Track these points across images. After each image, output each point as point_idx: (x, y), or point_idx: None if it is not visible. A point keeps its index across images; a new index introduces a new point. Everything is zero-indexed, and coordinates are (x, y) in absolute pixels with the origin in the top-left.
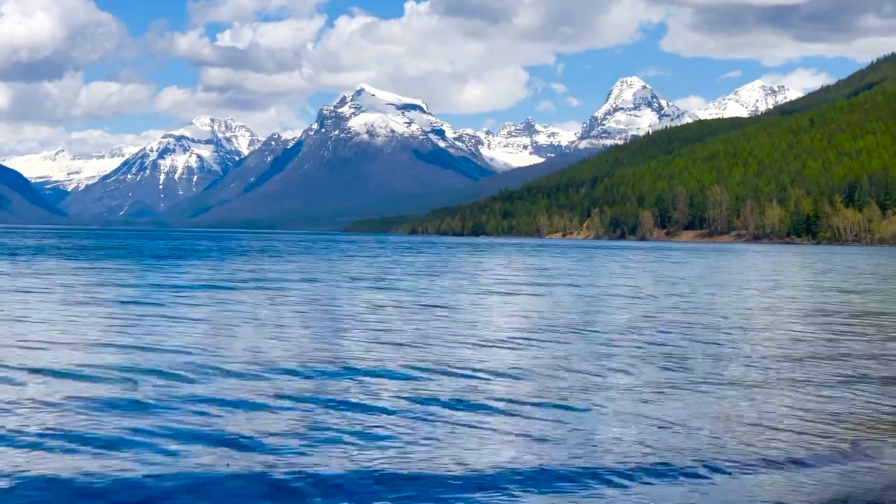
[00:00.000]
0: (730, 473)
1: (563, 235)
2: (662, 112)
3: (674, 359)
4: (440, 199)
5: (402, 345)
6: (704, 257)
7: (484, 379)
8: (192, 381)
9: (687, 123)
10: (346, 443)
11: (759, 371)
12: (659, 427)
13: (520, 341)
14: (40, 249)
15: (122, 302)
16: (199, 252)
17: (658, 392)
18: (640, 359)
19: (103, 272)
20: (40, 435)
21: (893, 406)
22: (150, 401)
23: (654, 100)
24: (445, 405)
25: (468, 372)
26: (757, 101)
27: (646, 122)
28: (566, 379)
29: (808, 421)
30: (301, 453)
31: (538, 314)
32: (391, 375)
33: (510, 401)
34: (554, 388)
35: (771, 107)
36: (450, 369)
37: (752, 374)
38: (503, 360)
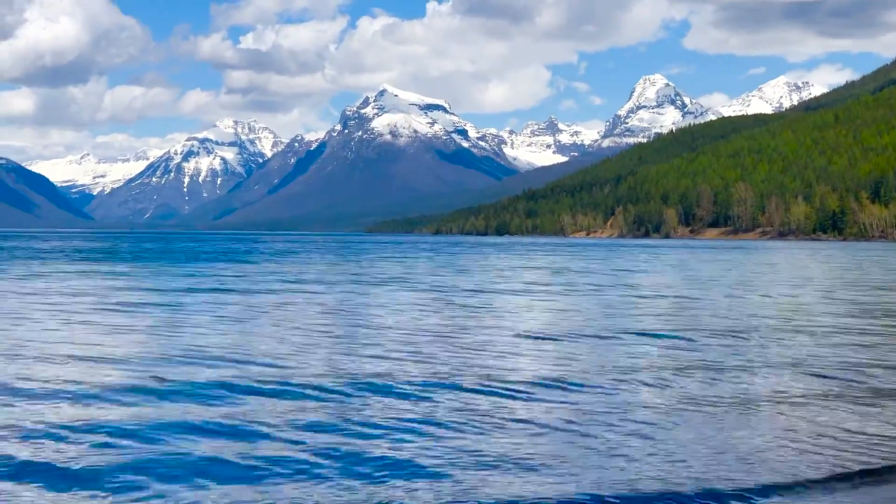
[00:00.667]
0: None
1: (587, 234)
2: (686, 109)
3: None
4: (464, 199)
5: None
6: (743, 254)
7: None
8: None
9: (710, 121)
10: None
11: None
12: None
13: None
14: (113, 252)
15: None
16: (253, 253)
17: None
18: (714, 370)
19: (191, 275)
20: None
21: None
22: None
23: (678, 97)
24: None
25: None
26: (781, 97)
27: (669, 119)
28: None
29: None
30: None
31: (595, 315)
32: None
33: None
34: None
35: (795, 103)
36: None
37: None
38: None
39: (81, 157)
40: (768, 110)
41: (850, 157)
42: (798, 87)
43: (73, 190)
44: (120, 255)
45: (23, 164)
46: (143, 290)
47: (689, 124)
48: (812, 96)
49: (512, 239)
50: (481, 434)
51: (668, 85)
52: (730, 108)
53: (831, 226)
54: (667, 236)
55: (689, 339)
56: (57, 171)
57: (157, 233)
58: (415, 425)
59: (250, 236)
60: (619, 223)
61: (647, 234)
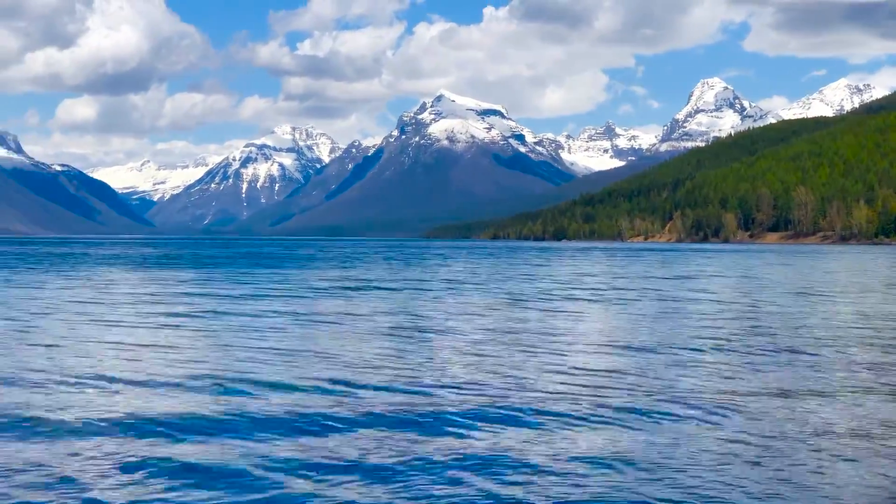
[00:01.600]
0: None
1: (645, 239)
2: (745, 113)
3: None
4: (521, 204)
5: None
6: (811, 259)
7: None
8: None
9: (770, 124)
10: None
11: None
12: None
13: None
14: (205, 260)
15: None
16: (331, 258)
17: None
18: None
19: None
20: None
21: None
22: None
23: (736, 101)
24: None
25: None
26: (842, 99)
27: (728, 123)
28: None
29: None
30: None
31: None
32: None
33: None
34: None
35: (857, 105)
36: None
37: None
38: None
39: (142, 164)
40: (829, 113)
41: None
42: (859, 90)
43: (134, 196)
44: (218, 261)
45: (85, 171)
46: (272, 290)
47: (749, 128)
48: (873, 98)
49: (570, 244)
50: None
51: (726, 88)
52: (790, 111)
53: (894, 230)
54: (726, 241)
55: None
56: (118, 178)
57: (225, 238)
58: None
59: (314, 241)
60: (677, 228)
61: (705, 239)
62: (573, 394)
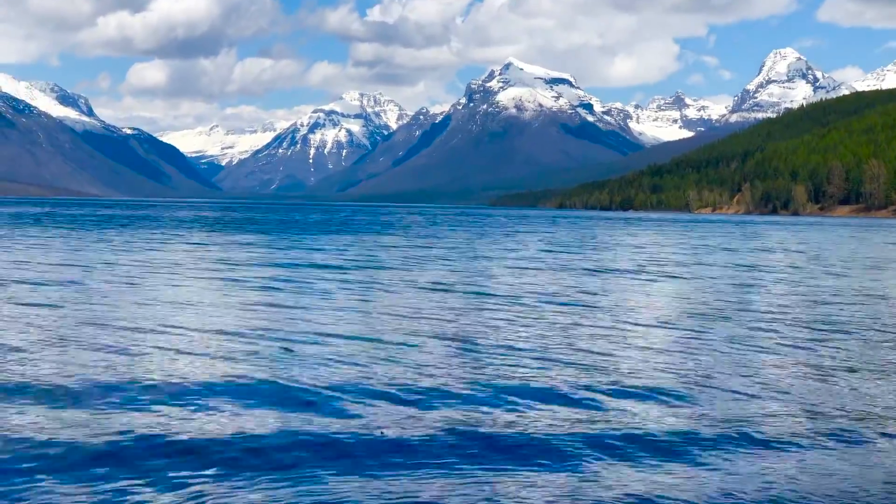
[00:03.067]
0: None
1: (713, 210)
2: (818, 84)
3: None
4: (588, 174)
5: None
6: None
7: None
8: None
9: (843, 95)
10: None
11: None
12: None
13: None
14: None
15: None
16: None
17: None
18: None
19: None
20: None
21: None
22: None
23: (809, 71)
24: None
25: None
26: None
27: (800, 94)
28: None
29: None
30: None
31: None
32: None
33: None
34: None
35: None
36: None
37: None
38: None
39: (210, 129)
40: None
41: None
42: None
43: (202, 161)
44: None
45: (154, 135)
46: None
47: (821, 99)
48: None
49: (638, 214)
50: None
51: (799, 59)
52: (864, 82)
53: None
54: (795, 213)
55: None
56: (186, 142)
57: (303, 203)
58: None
59: (389, 207)
60: (745, 200)
61: (774, 211)
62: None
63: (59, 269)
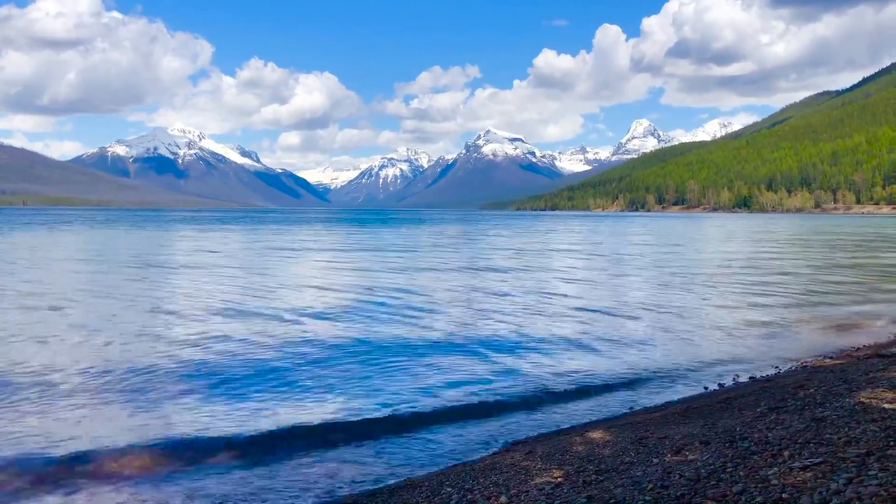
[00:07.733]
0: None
1: (602, 209)
2: (660, 139)
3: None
4: (533, 191)
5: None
6: (697, 220)
7: None
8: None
9: (674, 145)
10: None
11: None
12: None
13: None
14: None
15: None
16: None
17: None
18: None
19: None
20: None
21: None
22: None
23: (655, 132)
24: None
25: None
26: (715, 130)
27: (650, 144)
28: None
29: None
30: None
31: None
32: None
33: None
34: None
35: (724, 133)
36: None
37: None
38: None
39: (324, 169)
40: (707, 138)
41: (754, 165)
42: (725, 125)
43: (320, 186)
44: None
45: (294, 172)
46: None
47: (661, 147)
48: (734, 130)
49: (561, 213)
50: None
51: (650, 125)
52: (685, 138)
53: (743, 204)
54: (648, 211)
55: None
56: (312, 176)
57: (381, 210)
58: None
59: (424, 212)
60: (620, 203)
61: (636, 210)
62: None
63: (271, 240)
